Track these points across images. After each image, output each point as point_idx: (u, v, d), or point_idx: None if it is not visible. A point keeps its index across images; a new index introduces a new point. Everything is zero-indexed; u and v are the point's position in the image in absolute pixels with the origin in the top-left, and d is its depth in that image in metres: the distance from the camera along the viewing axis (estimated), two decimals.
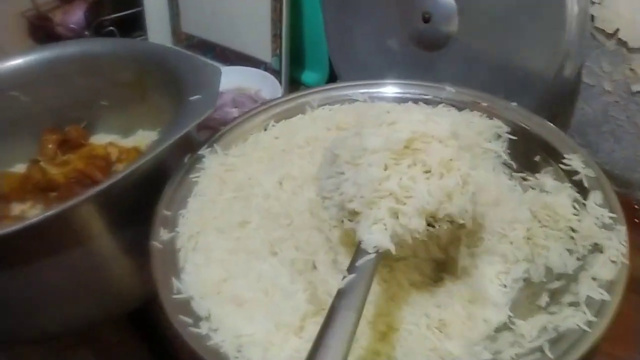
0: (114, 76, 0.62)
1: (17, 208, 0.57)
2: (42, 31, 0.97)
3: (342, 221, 0.34)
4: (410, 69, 0.61)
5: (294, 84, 0.79)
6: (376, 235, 0.31)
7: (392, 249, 0.31)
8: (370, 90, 0.53)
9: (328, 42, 0.69)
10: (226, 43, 0.84)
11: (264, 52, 0.79)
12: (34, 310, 0.43)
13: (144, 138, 0.66)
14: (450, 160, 0.33)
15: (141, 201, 0.44)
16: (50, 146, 0.64)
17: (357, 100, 0.52)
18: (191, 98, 0.47)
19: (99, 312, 0.47)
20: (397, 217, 0.32)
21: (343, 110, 0.50)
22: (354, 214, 0.33)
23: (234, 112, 0.73)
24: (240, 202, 0.42)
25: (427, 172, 0.33)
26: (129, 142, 0.66)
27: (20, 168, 0.62)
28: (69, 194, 0.55)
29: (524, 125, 0.46)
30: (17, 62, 0.61)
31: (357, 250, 0.31)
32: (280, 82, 0.76)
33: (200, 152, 0.47)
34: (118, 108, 0.65)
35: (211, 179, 0.44)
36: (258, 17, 0.76)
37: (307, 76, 0.80)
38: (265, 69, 0.79)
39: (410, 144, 0.33)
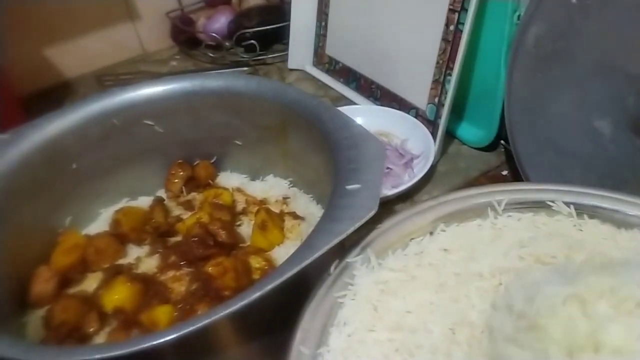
0: (254, 117, 0.55)
1: (133, 252, 0.52)
2: (183, 34, 0.94)
3: None
4: (623, 167, 0.46)
5: (447, 138, 0.67)
6: None
7: None
8: (579, 202, 0.39)
9: (507, 101, 0.56)
10: (374, 77, 0.74)
11: (418, 96, 0.67)
12: None
13: (273, 186, 0.58)
14: None
15: (277, 310, 0.35)
16: (176, 181, 0.59)
17: (559, 213, 0.39)
18: (348, 187, 0.38)
19: None
20: None
21: (542, 231, 0.38)
22: None
23: None
24: (397, 351, 0.32)
25: None
26: (257, 187, 0.59)
27: (144, 201, 0.58)
28: (188, 252, 0.49)
29: None
30: (156, 89, 0.55)
31: None
32: (434, 136, 0.64)
33: (349, 260, 0.37)
34: (251, 149, 0.59)
35: (361, 304, 0.35)
36: (420, 56, 0.65)
37: (466, 131, 0.68)
38: (416, 116, 0.68)
39: None
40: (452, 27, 0.60)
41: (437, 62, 0.63)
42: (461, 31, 0.59)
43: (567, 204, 0.39)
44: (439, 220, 0.40)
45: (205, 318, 0.31)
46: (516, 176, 0.61)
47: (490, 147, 0.66)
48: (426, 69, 0.65)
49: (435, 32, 0.62)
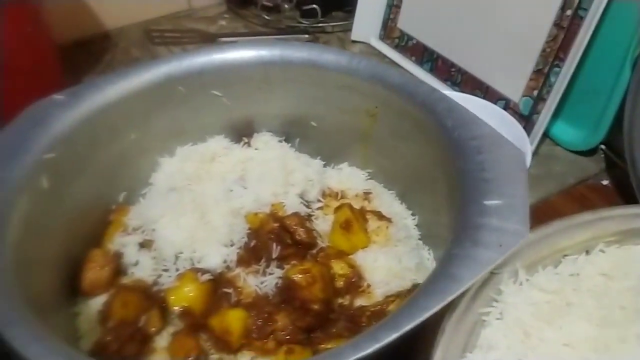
0: (339, 98, 0.48)
1: None
2: None
3: None
4: None
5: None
6: None
7: None
8: None
9: (631, 106, 0.48)
10: (455, 58, 0.66)
11: (511, 86, 0.60)
12: None
13: (350, 177, 0.51)
14: None
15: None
16: None
17: None
18: (487, 202, 0.31)
19: None
20: None
21: None
22: None
23: None
24: None
25: None
26: (332, 176, 0.51)
27: None
28: (263, 250, 0.43)
29: None
30: (228, 56, 0.48)
31: None
32: (528, 134, 0.57)
33: (495, 271, 0.31)
34: (327, 132, 0.52)
35: (509, 326, 0.30)
36: (520, 40, 0.57)
37: (563, 130, 0.60)
38: (505, 108, 0.60)
39: None
40: (569, 12, 0.52)
41: (543, 50, 0.55)
42: (581, 18, 0.51)
43: None
44: (598, 239, 0.34)
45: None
46: (621, 188, 0.55)
47: (589, 152, 0.59)
48: (527, 56, 0.57)
49: (546, 15, 0.54)
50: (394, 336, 0.25)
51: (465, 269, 0.28)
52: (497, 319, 0.30)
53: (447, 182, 0.38)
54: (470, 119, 0.38)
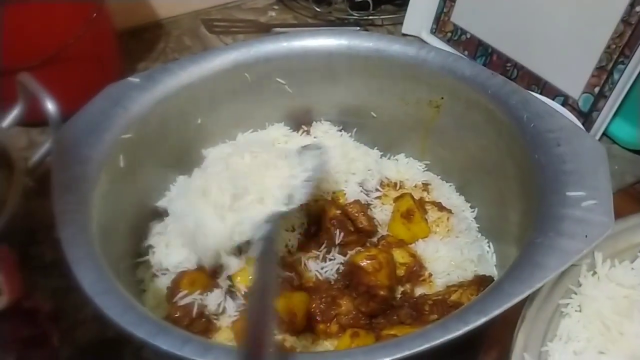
0: (404, 88, 0.48)
1: None
2: None
3: None
4: None
5: None
6: None
7: None
8: None
9: None
10: (511, 53, 0.65)
11: (570, 82, 0.59)
12: None
13: (407, 168, 0.52)
14: None
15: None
16: None
17: None
18: (571, 194, 0.31)
19: None
20: None
21: None
22: None
23: None
24: None
25: None
26: (390, 167, 0.52)
27: None
28: (326, 236, 0.44)
29: None
30: (295, 44, 0.48)
31: None
32: (587, 130, 0.56)
33: (574, 264, 0.31)
34: (386, 123, 0.52)
35: (589, 319, 0.30)
36: (583, 36, 0.56)
37: (621, 128, 0.59)
38: (563, 104, 0.60)
39: None
40: (638, 9, 0.51)
41: (608, 47, 0.54)
42: None
43: None
44: None
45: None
46: None
47: None
48: (589, 52, 0.56)
49: (613, 11, 0.53)
50: (482, 320, 0.26)
51: (551, 258, 0.28)
52: (576, 310, 0.31)
53: (520, 174, 0.38)
54: (546, 111, 0.38)
